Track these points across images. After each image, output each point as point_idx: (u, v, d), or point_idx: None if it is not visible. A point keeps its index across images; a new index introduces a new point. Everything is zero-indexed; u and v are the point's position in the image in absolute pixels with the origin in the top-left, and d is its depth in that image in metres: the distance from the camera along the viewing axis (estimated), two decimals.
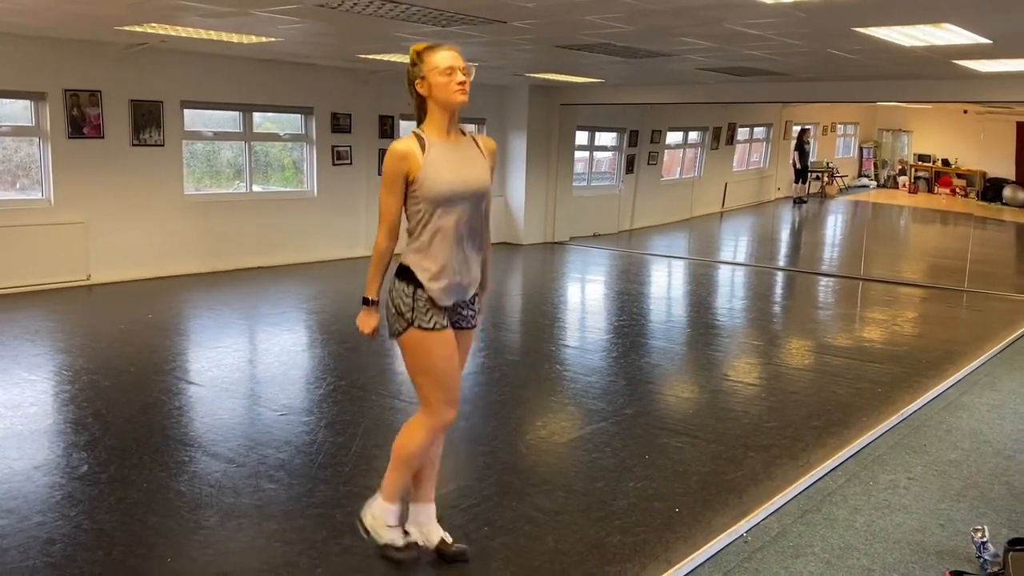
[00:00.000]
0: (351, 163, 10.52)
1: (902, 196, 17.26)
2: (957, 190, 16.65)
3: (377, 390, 5.34)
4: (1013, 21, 5.54)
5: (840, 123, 18.91)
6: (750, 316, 8.39)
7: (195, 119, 9.22)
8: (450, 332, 2.96)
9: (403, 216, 2.94)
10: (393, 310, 2.93)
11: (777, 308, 9.22)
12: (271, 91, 9.62)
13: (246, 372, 5.86)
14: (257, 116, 9.79)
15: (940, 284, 9.95)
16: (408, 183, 2.86)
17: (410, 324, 2.90)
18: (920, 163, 17.32)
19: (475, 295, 3.07)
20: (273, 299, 8.41)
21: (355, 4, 5.52)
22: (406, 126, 11.16)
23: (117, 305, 7.86)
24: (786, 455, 4.37)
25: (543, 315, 8.22)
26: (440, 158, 2.86)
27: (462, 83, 2.84)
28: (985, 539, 3.18)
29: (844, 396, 5.44)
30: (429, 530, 3.18)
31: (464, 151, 2.94)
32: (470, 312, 3.06)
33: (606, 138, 14.09)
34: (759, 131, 17.46)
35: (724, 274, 11.15)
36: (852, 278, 10.42)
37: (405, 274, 2.91)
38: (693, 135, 15.55)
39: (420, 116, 2.94)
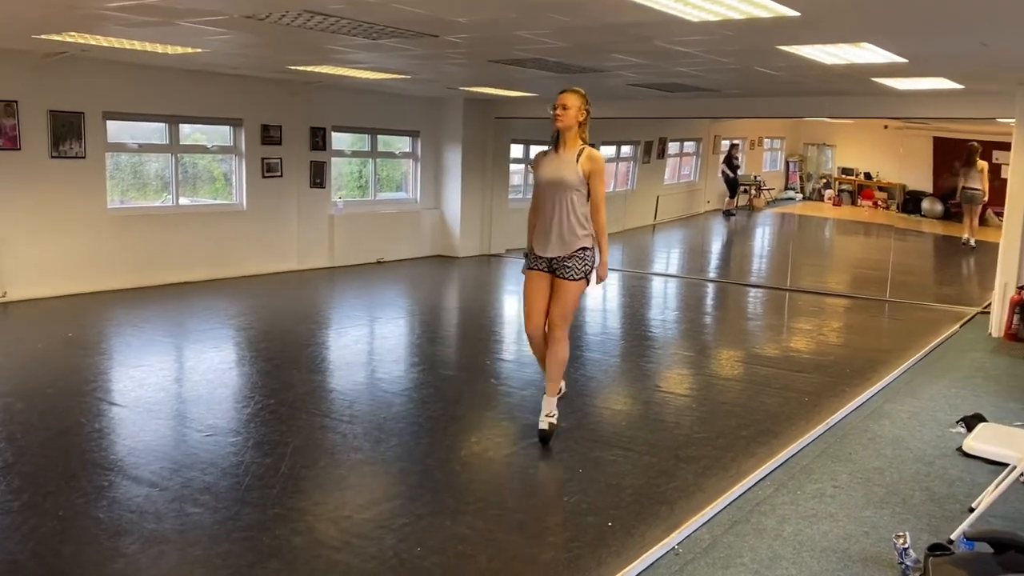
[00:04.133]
0: (282, 175, 10.35)
1: (827, 208, 17.77)
2: (879, 202, 17.23)
3: (307, 408, 5.24)
4: (925, 42, 5.77)
5: (767, 137, 19.38)
6: (682, 327, 8.50)
7: (120, 131, 8.95)
8: (536, 274, 4.69)
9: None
10: None
11: (708, 319, 9.37)
12: (199, 102, 9.41)
13: (171, 391, 5.68)
14: (185, 127, 9.57)
15: (863, 294, 10.26)
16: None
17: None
18: (843, 176, 17.87)
19: (573, 256, 4.56)
20: (200, 315, 8.20)
21: (283, 16, 5.43)
22: (338, 137, 11.07)
23: (35, 323, 7.56)
24: (716, 466, 4.43)
25: (479, 328, 8.20)
26: (545, 162, 4.59)
27: (558, 115, 4.48)
28: (907, 545, 3.27)
29: (772, 405, 5.55)
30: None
31: (564, 159, 4.51)
32: (564, 267, 4.59)
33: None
34: (689, 145, 17.78)
35: (657, 286, 11.30)
36: (780, 289, 10.67)
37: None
38: (626, 149, 15.75)
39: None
